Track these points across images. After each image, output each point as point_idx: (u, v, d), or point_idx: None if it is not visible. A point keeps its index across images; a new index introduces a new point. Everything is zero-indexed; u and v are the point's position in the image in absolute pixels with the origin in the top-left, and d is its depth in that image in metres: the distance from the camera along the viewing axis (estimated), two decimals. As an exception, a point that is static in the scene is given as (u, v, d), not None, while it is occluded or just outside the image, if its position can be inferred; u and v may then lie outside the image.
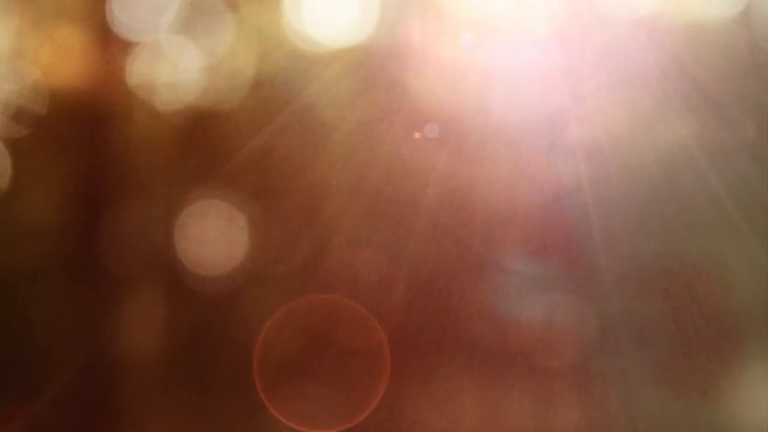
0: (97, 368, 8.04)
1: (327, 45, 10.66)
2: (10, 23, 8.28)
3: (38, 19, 9.13)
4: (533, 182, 8.65)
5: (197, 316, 10.70)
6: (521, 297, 8.50)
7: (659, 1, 6.05)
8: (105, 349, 8.20)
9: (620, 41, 6.29)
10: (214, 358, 11.14)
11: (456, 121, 9.03)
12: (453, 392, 8.44)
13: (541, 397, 8.01)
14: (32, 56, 11.04)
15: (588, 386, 8.05)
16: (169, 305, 9.91)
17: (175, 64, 10.08)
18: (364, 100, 10.07)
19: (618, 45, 6.36)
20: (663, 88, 6.34)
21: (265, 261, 11.14)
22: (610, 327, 8.20)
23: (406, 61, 8.33)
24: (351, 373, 9.23)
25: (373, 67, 9.14)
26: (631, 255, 8.07)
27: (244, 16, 10.75)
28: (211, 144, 8.44)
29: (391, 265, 8.48)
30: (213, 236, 9.59)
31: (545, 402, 7.86)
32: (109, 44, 7.82)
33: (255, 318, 11.65)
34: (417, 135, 8.78)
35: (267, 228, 9.31)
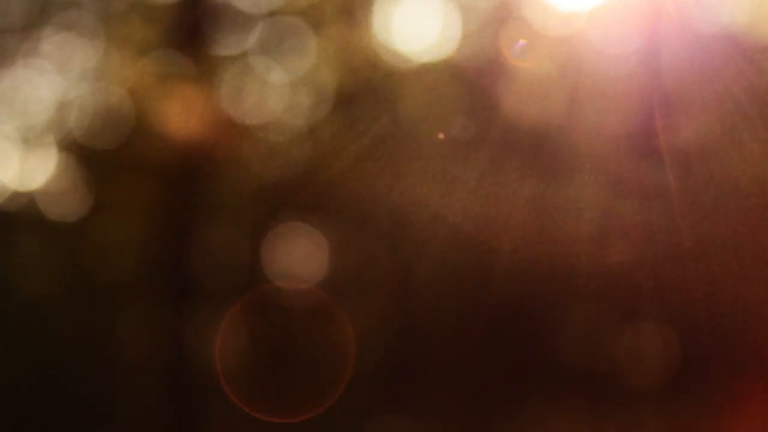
0: (184, 378, 8.24)
1: (416, 59, 10.70)
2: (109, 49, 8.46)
3: (129, 41, 9.34)
4: (625, 192, 8.58)
5: (282, 328, 10.86)
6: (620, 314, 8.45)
7: (748, 15, 5.99)
8: (192, 360, 8.40)
9: (710, 55, 6.24)
10: (298, 367, 11.24)
11: (546, 132, 9.00)
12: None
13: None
14: (121, 78, 11.28)
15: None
16: (256, 317, 10.06)
17: (264, 82, 10.23)
18: (452, 113, 10.08)
19: (707, 58, 6.31)
20: (750, 99, 6.27)
21: (352, 275, 11.22)
22: (695, 337, 8.12)
23: (493, 74, 8.32)
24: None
25: (461, 81, 9.16)
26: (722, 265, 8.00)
27: (333, 34, 10.85)
28: (302, 160, 8.57)
29: (478, 282, 8.49)
30: (301, 252, 9.72)
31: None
32: (201, 68, 8.01)
33: (340, 329, 11.71)
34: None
35: (356, 243, 9.39)
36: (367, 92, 10.35)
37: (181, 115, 2.13)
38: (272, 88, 11.47)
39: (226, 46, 12.90)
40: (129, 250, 13.38)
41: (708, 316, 8.78)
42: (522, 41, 8.59)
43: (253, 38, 12.63)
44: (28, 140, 13.31)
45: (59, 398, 12.87)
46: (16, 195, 13.47)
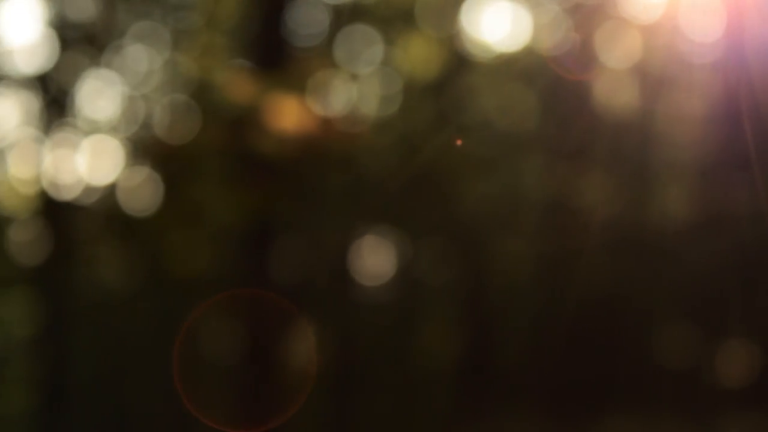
0: (276, 376, 8.19)
1: (495, 51, 10.49)
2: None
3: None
4: (722, 193, 8.32)
5: (367, 326, 10.73)
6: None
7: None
8: (282, 358, 8.35)
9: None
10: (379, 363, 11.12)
11: (629, 126, 8.76)
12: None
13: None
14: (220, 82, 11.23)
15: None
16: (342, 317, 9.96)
17: (352, 77, 10.12)
18: (530, 105, 9.85)
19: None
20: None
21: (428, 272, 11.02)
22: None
23: (574, 66, 8.11)
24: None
25: (539, 73, 8.96)
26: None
27: (417, 28, 10.68)
28: (384, 156, 8.46)
29: (563, 282, 8.28)
30: (382, 250, 9.61)
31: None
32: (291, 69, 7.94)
33: (416, 326, 11.53)
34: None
35: (435, 240, 9.24)
36: (455, 87, 10.24)
37: (270, 112, 2.06)
38: (360, 85, 11.45)
39: (313, 42, 12.91)
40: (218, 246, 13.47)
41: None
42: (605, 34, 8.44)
43: (342, 36, 12.62)
44: (115, 137, 13.46)
45: (136, 389, 12.98)
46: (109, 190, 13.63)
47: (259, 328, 8.15)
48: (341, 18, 10.89)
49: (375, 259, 13.31)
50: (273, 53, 8.05)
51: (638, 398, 8.38)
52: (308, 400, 12.85)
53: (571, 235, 8.01)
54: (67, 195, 12.03)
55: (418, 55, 11.94)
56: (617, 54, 8.40)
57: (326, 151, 1.80)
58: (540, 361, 9.36)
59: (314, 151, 1.88)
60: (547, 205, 9.55)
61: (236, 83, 1.93)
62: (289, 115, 1.99)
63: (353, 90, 9.04)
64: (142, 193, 13.86)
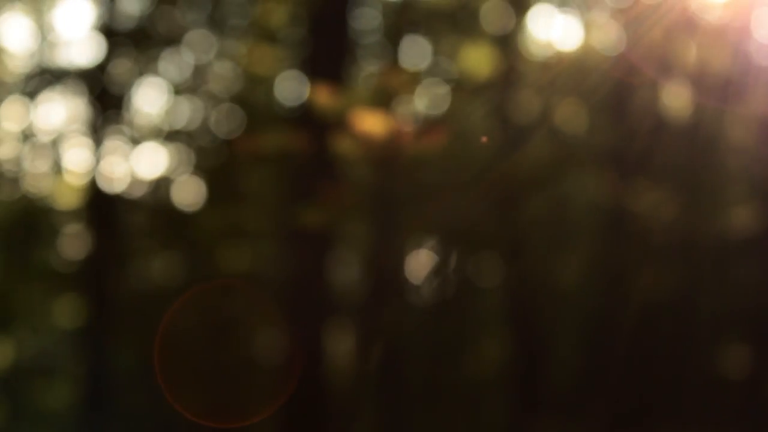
0: (323, 376, 8.07)
1: (558, 48, 10.28)
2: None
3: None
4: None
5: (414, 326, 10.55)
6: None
7: None
8: (327, 359, 8.22)
9: None
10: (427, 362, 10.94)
11: (690, 131, 8.51)
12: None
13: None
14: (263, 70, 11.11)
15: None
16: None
17: (425, 82, 9.99)
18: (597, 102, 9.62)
19: None
20: None
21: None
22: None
23: (635, 67, 7.90)
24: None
25: (599, 75, 8.74)
26: None
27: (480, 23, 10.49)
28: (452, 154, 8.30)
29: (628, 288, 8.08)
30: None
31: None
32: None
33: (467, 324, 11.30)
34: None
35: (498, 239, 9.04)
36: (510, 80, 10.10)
37: (351, 120, 1.94)
38: (434, 88, 11.35)
39: (376, 49, 12.82)
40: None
41: None
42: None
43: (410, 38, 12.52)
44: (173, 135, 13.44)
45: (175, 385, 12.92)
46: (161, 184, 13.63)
47: (304, 330, 8.04)
48: (400, 23, 10.82)
49: (429, 264, 13.20)
50: (337, 60, 7.97)
51: (698, 410, 8.19)
52: (357, 405, 12.77)
53: (630, 243, 7.82)
54: (116, 188, 12.00)
55: (476, 59, 11.82)
56: (680, 55, 8.18)
57: (406, 158, 1.70)
58: (596, 372, 9.20)
59: (394, 158, 1.77)
60: (606, 211, 9.39)
61: (315, 89, 1.83)
62: (369, 123, 1.87)
63: (424, 96, 8.93)
64: (191, 189, 13.84)
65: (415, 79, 2.02)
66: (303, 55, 8.52)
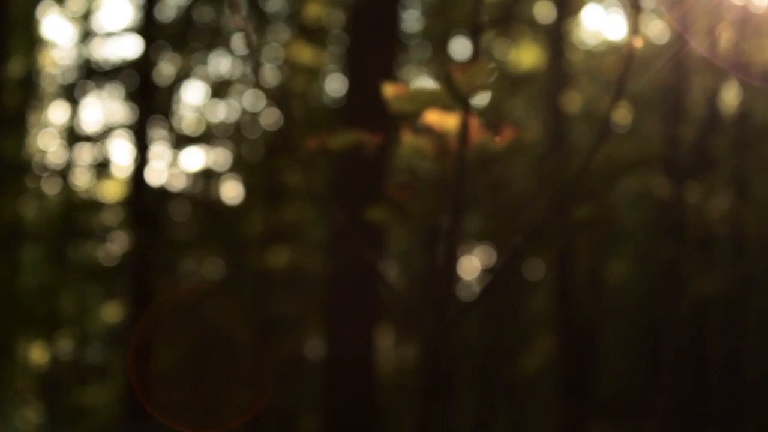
0: (367, 377, 7.97)
1: (607, 39, 10.09)
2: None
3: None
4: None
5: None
6: None
7: None
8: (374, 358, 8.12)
9: None
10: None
11: (742, 125, 8.31)
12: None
13: None
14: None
15: None
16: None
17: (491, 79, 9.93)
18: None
19: None
20: None
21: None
22: None
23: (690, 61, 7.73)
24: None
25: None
26: None
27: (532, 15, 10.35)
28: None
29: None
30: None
31: None
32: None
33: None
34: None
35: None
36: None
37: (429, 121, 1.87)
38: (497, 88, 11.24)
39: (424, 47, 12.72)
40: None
41: None
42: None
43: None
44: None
45: (216, 377, 12.90)
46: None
47: (353, 329, 7.95)
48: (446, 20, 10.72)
49: (485, 263, 13.14)
50: (385, 56, 7.87)
51: (751, 411, 8.01)
52: (405, 407, 12.74)
53: (682, 240, 7.65)
54: (161, 183, 12.00)
55: (527, 53, 11.72)
56: (731, 45, 8.00)
57: (480, 156, 1.62)
58: (646, 371, 9.06)
59: (469, 156, 1.69)
60: (656, 207, 9.23)
61: (391, 91, 1.75)
62: (444, 120, 1.78)
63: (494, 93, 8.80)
64: (235, 184, 13.83)
65: (491, 74, 1.91)
66: (349, 50, 8.43)
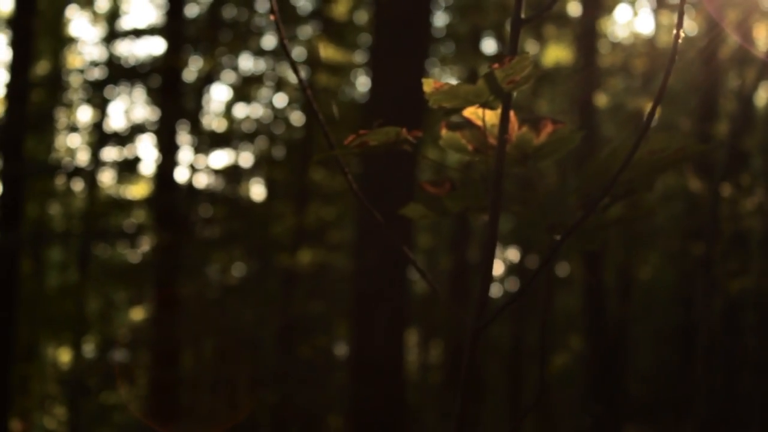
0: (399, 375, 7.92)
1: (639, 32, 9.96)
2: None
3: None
4: None
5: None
6: None
7: None
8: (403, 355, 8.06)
9: None
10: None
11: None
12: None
13: None
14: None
15: None
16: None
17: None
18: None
19: None
20: None
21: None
22: None
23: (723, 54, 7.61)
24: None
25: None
26: None
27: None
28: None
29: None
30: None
31: None
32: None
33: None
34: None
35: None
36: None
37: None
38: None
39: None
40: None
41: None
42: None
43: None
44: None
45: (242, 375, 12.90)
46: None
47: (380, 328, 7.91)
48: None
49: (514, 260, 13.08)
50: (415, 54, 7.82)
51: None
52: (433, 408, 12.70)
53: (713, 237, 7.53)
54: (188, 181, 12.00)
55: (555, 50, 11.69)
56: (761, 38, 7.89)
57: (522, 153, 1.58)
58: (678, 376, 8.97)
59: (511, 153, 1.66)
60: (686, 204, 9.14)
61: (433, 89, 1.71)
62: (486, 116, 1.74)
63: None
64: (262, 182, 13.83)
65: (535, 69, 1.86)
66: (375, 48, 8.39)
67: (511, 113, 2.02)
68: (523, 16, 1.92)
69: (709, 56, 8.80)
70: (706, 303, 6.94)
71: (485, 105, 2.00)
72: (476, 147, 2.07)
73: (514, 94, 1.86)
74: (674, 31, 1.63)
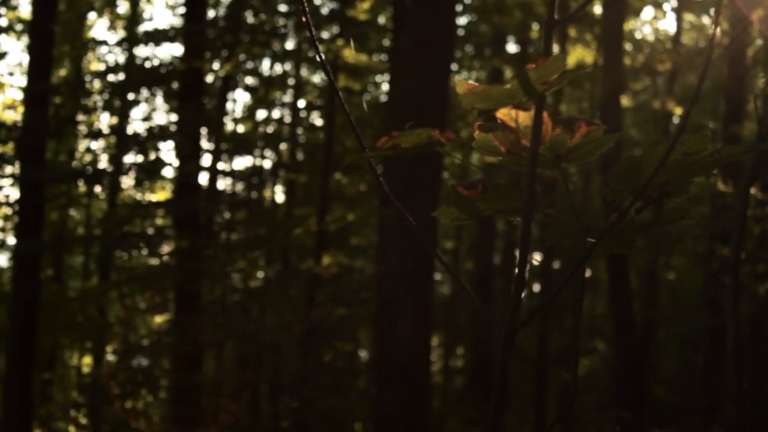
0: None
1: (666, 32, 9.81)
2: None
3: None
4: None
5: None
6: None
7: None
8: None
9: None
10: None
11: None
12: None
13: None
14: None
15: None
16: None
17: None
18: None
19: None
20: None
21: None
22: None
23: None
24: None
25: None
26: None
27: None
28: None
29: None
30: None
31: None
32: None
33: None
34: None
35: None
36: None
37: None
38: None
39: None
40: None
41: None
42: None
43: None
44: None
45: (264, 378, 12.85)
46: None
47: (403, 329, 7.85)
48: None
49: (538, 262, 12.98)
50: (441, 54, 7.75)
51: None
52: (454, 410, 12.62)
53: (739, 238, 7.44)
54: (208, 184, 11.98)
55: (578, 51, 11.61)
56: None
57: (557, 154, 1.55)
58: (704, 379, 8.86)
59: (545, 154, 1.62)
60: (719, 209, 9.03)
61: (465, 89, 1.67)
62: (519, 117, 1.70)
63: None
64: (283, 185, 13.78)
65: (569, 70, 1.80)
66: (397, 49, 8.34)
67: (545, 114, 1.98)
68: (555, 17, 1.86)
69: (735, 56, 8.69)
70: (734, 305, 6.84)
71: (518, 106, 1.96)
72: (509, 149, 2.03)
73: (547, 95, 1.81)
74: (710, 30, 1.57)
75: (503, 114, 1.86)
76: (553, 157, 1.85)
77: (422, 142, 1.91)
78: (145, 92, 12.36)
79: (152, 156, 11.87)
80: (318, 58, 1.80)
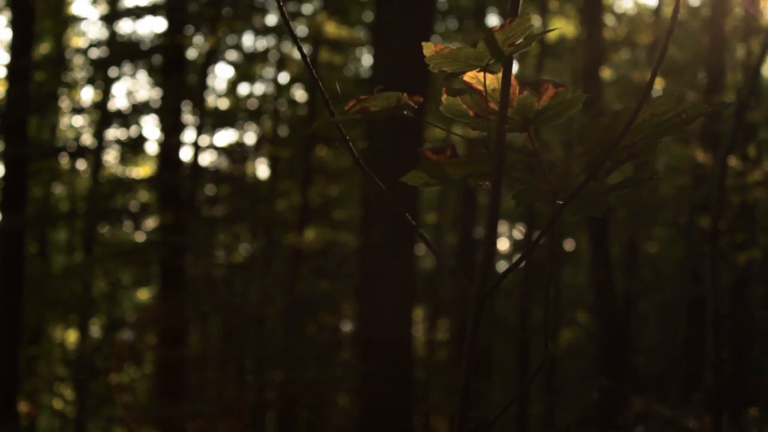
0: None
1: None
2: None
3: None
4: None
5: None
6: None
7: None
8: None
9: None
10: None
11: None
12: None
13: None
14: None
15: None
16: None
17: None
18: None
19: None
20: None
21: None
22: None
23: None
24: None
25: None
26: None
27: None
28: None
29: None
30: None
31: None
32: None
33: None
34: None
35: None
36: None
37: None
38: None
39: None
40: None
41: None
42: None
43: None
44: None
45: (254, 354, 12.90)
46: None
47: (386, 307, 7.88)
48: None
49: (520, 235, 13.02)
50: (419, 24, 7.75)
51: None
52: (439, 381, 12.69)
53: (719, 209, 7.50)
54: (191, 159, 11.97)
55: (558, 23, 11.59)
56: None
57: (525, 117, 1.56)
58: (684, 349, 8.93)
59: (513, 118, 1.63)
60: (698, 179, 9.09)
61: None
62: (487, 80, 1.71)
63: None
64: (264, 159, 13.77)
65: (534, 31, 1.82)
66: (378, 24, 8.34)
67: (512, 77, 1.99)
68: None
69: (714, 27, 8.72)
70: (713, 275, 6.90)
71: (486, 69, 1.97)
72: (477, 112, 2.05)
73: (515, 57, 1.82)
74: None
75: (470, 77, 1.88)
76: (521, 120, 1.87)
77: (391, 105, 1.93)
78: (127, 67, 12.32)
79: (135, 131, 11.86)
80: (288, 31, 1.81)
